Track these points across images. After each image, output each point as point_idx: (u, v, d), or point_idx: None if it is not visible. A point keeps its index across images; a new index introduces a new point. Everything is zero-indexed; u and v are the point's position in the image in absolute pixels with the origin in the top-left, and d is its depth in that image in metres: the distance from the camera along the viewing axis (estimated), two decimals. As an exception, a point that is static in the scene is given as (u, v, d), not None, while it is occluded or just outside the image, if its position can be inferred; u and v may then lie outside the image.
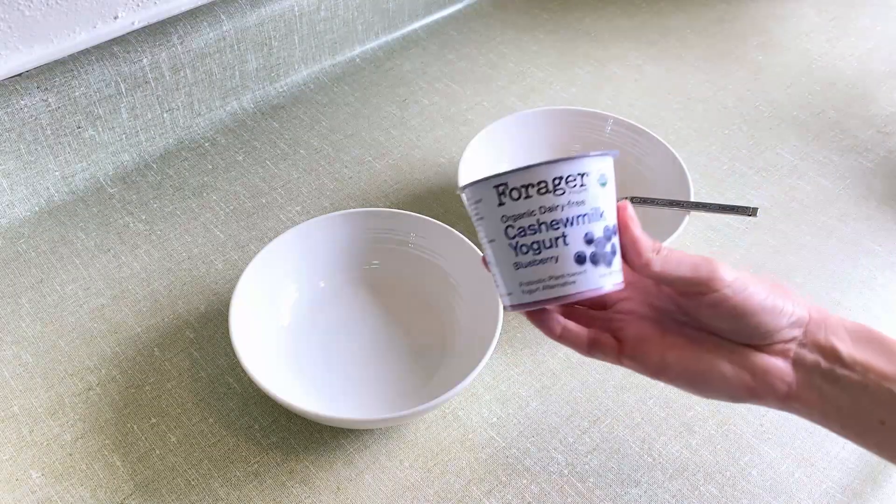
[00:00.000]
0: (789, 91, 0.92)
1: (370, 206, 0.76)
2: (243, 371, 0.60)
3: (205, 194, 0.77)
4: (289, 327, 0.64)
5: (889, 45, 0.99)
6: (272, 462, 0.57)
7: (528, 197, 0.41)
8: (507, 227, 0.42)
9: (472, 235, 0.67)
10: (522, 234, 0.41)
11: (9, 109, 0.69)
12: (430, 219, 0.66)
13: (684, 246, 0.74)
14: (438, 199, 0.77)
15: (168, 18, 0.78)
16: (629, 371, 0.62)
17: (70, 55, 0.73)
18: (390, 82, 0.91)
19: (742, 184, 0.80)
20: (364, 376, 0.61)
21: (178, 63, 0.77)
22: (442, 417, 0.60)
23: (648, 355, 0.44)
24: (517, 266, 0.42)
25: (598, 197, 0.41)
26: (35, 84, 0.70)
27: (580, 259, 0.41)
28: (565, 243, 0.41)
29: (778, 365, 0.42)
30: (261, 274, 0.63)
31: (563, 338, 0.46)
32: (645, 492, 0.56)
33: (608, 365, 0.63)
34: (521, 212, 0.41)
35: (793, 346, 0.43)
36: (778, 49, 0.98)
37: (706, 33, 1.01)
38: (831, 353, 0.42)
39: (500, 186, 0.41)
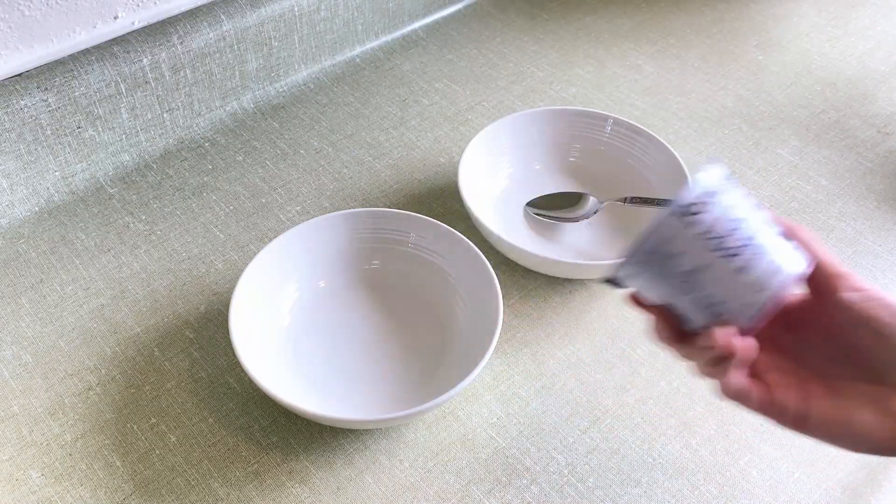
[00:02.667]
0: (789, 91, 0.92)
1: (370, 206, 0.76)
2: (243, 371, 0.60)
3: (205, 194, 0.77)
4: (289, 327, 0.64)
5: (889, 45, 0.99)
6: (272, 462, 0.57)
7: (706, 203, 0.39)
8: (706, 242, 0.39)
9: (473, 235, 0.67)
10: (723, 237, 0.39)
11: (9, 109, 0.69)
12: (430, 219, 0.66)
13: (684, 246, 0.74)
14: (438, 199, 0.77)
15: (168, 18, 0.78)
16: (629, 371, 0.63)
17: (70, 55, 0.73)
18: (390, 82, 0.91)
19: (742, 184, 0.80)
20: (364, 376, 0.61)
21: (178, 63, 0.77)
22: (442, 417, 0.60)
23: (788, 404, 0.41)
24: (738, 271, 0.39)
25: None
26: (35, 84, 0.70)
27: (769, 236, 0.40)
28: (752, 229, 0.39)
29: None
30: (261, 274, 0.63)
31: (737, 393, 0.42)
32: (645, 492, 0.56)
33: (608, 365, 0.63)
34: (713, 217, 0.39)
35: None
36: (778, 49, 0.98)
37: (706, 33, 1.01)
38: None
39: (680, 211, 0.39)
